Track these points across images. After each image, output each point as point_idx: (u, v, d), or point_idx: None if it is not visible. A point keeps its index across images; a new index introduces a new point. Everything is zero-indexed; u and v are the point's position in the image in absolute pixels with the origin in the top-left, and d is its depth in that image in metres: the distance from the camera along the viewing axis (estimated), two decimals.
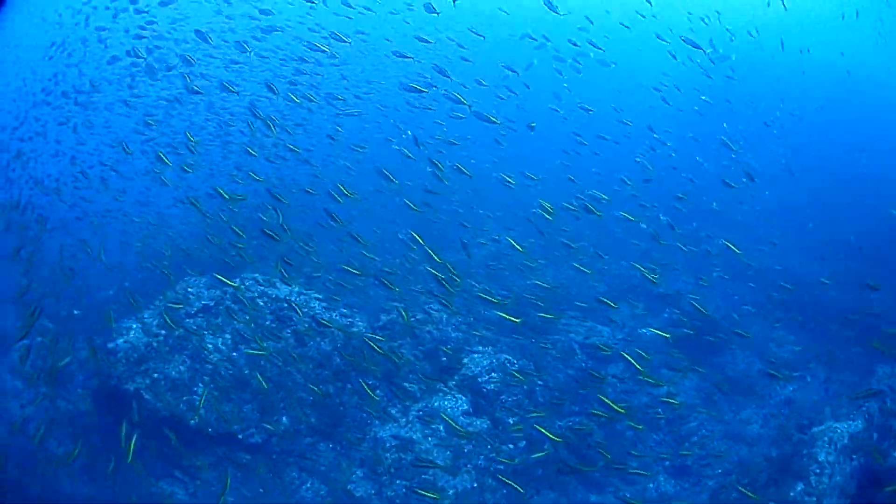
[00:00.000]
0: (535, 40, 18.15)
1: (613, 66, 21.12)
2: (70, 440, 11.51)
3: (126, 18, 19.23)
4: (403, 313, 11.49)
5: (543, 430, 8.96)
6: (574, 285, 15.54)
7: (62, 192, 17.90)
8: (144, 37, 17.60)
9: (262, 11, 18.08)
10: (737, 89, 23.82)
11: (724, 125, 20.69)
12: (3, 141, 20.23)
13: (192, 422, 10.22)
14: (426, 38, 14.89)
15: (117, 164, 17.96)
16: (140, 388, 10.36)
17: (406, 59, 14.91)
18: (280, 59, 18.59)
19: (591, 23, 22.37)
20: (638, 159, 16.54)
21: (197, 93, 14.34)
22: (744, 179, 15.14)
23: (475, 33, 17.91)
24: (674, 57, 19.98)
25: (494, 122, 11.02)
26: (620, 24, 19.61)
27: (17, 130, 20.31)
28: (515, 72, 15.58)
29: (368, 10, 21.15)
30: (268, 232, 10.56)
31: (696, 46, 15.90)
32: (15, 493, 10.18)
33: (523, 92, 18.13)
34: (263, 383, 10.35)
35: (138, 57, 15.64)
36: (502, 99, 16.44)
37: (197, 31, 14.07)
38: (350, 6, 15.67)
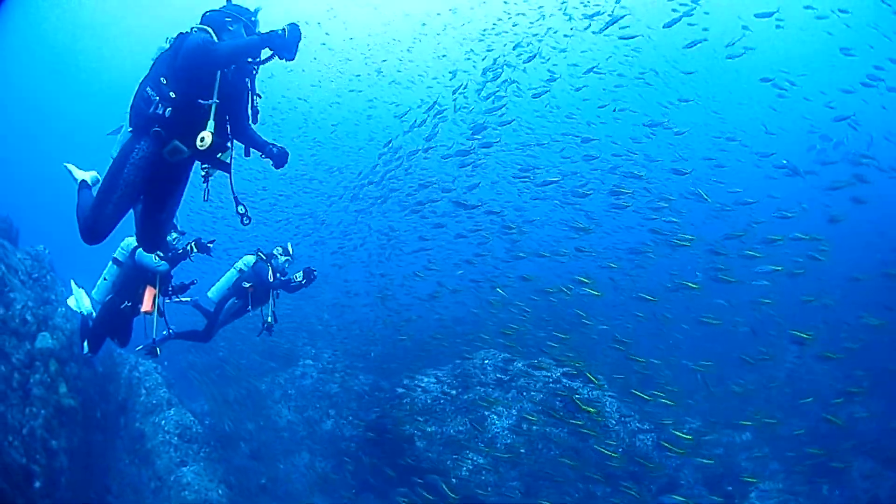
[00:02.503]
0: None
1: None
2: (321, 455, 11.56)
3: None
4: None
5: None
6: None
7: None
8: None
9: None
10: None
11: None
12: None
13: (454, 480, 9.45)
14: None
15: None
16: (415, 435, 9.97)
17: None
18: None
19: None
20: None
21: None
22: None
23: None
24: None
25: None
26: None
27: None
28: None
29: None
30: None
31: None
32: (250, 477, 10.31)
33: None
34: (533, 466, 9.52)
35: None
36: None
37: None
38: None
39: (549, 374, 10.66)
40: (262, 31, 4.18)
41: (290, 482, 10.99)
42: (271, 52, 4.18)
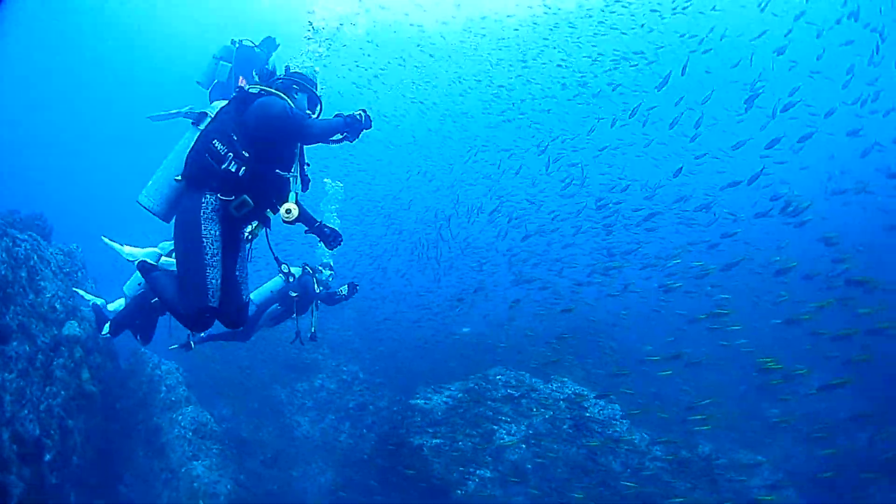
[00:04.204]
0: None
1: None
2: (333, 464, 11.71)
3: None
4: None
5: None
6: None
7: None
8: None
9: None
10: None
11: None
12: None
13: (460, 492, 9.42)
14: None
15: None
16: (424, 446, 9.99)
17: None
18: None
19: None
20: None
21: None
22: None
23: None
24: None
25: None
26: None
27: None
28: None
29: None
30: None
31: None
32: (261, 482, 10.51)
33: None
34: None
35: None
36: None
37: None
38: None
39: (562, 393, 10.62)
40: (346, 115, 4.25)
41: (300, 491, 11.14)
42: (343, 134, 4.27)
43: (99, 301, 7.56)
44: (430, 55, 29.45)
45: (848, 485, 9.59)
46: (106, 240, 5.73)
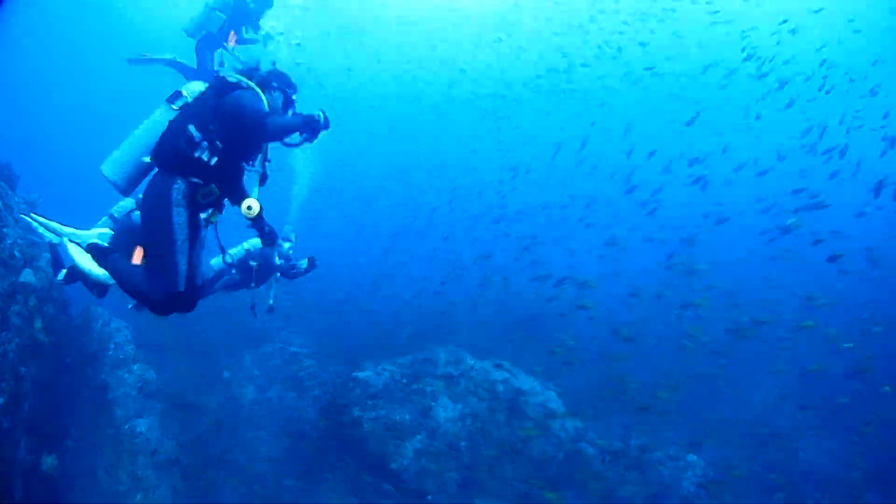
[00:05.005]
0: None
1: None
2: (276, 433, 11.97)
3: None
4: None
5: None
6: None
7: None
8: None
9: None
10: None
11: None
12: None
13: (393, 465, 9.92)
14: None
15: None
16: (363, 417, 10.44)
17: None
18: None
19: None
20: None
21: None
22: None
23: None
24: None
25: None
26: None
27: None
28: None
29: None
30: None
31: None
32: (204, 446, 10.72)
33: None
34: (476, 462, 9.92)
35: None
36: None
37: None
38: None
39: (501, 376, 11.13)
40: (304, 114, 4.25)
41: (242, 456, 11.32)
42: (303, 136, 4.29)
43: (55, 240, 7.66)
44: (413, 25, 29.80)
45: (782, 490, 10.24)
46: (38, 217, 5.63)
